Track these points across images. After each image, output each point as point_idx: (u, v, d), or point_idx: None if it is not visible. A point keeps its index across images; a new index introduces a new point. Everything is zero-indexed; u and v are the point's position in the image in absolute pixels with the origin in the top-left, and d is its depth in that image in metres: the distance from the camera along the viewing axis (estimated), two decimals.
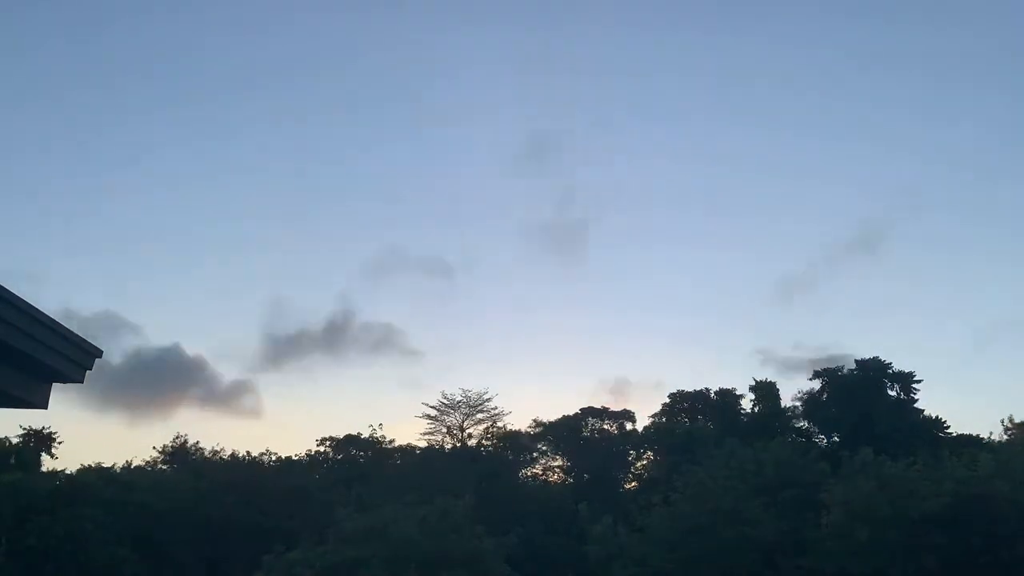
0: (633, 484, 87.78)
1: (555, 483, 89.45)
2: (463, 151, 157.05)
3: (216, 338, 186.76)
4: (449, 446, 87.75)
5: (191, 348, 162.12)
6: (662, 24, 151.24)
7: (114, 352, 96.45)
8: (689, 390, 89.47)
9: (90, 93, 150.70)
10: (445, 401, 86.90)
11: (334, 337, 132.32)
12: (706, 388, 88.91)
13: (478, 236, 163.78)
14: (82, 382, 7.41)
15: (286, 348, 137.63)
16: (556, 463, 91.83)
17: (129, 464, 77.20)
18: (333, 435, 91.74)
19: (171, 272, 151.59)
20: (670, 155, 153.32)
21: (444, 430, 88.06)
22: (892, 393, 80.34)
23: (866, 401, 77.08)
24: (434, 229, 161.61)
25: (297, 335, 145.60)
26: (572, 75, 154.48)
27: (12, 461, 73.65)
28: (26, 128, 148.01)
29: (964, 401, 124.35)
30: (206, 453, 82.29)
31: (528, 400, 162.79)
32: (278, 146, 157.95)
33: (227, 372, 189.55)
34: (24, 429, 77.96)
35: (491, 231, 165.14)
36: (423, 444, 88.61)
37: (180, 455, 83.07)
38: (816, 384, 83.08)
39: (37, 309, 6.54)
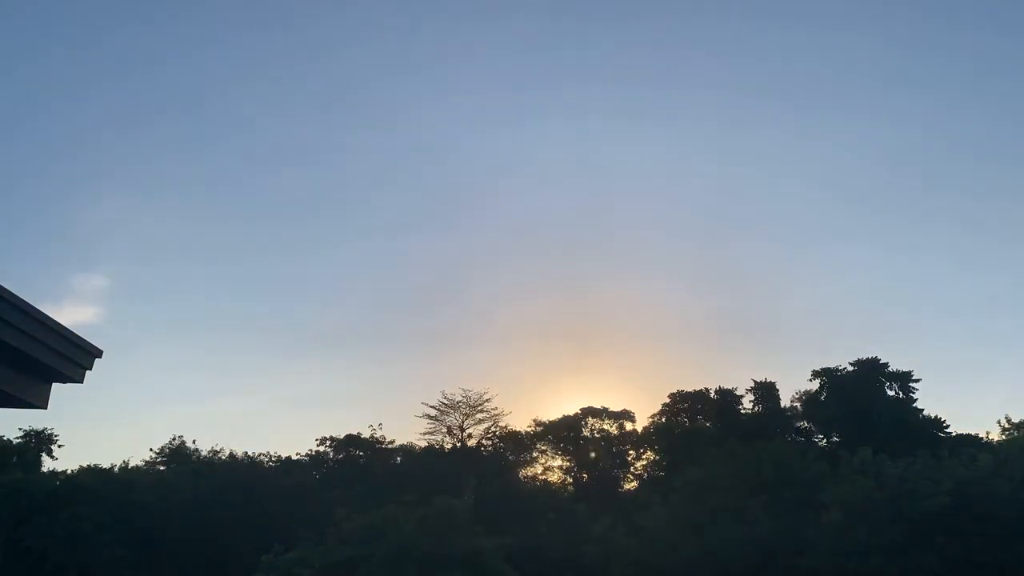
0: (633, 484, 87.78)
1: (555, 483, 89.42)
2: None
3: None
4: (449, 446, 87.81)
5: None
6: None
7: None
8: (689, 390, 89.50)
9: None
10: (445, 401, 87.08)
11: None
12: (706, 388, 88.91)
13: None
14: (82, 382, 7.42)
15: None
16: (556, 463, 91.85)
17: (126, 464, 77.22)
18: (333, 435, 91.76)
19: None
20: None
21: (444, 430, 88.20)
22: (891, 393, 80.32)
23: (865, 401, 77.02)
24: None
25: None
26: None
27: (14, 461, 73.86)
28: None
29: (964, 401, 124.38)
30: (204, 453, 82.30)
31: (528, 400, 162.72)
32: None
33: None
34: (24, 430, 78.20)
35: None
36: (423, 444, 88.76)
37: (179, 455, 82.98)
38: (815, 384, 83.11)
39: (37, 309, 6.56)
